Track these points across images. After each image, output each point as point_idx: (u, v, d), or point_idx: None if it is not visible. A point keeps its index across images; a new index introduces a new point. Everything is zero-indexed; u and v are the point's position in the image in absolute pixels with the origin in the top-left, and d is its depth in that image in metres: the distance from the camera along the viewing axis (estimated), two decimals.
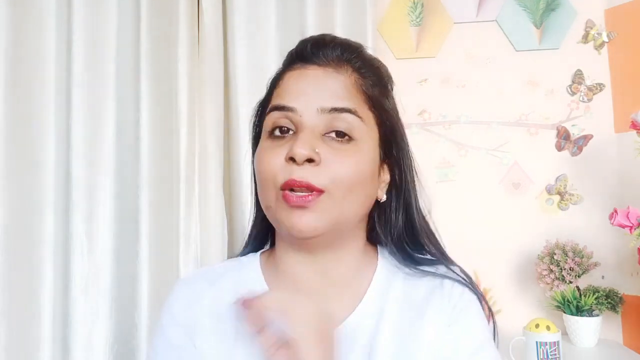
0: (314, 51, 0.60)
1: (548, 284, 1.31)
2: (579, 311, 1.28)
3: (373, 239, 0.66)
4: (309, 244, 0.58)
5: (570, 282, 1.29)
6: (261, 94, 0.66)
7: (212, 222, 1.27)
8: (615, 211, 1.14)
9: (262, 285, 0.62)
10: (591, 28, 1.47)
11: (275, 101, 0.59)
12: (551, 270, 1.30)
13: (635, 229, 1.12)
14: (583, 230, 1.41)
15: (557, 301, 1.31)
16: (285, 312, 0.48)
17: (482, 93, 1.49)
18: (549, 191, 1.46)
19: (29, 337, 1.16)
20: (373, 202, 0.61)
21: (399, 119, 0.64)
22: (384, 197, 0.62)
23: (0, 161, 1.17)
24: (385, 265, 0.63)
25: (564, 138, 1.46)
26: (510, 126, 1.48)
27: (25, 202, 1.19)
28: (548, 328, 1.14)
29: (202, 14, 1.31)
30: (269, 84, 0.65)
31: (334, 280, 0.60)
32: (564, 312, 1.30)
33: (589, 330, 1.27)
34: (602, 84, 1.46)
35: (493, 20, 1.50)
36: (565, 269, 1.28)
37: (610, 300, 1.29)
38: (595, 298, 1.27)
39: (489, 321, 0.63)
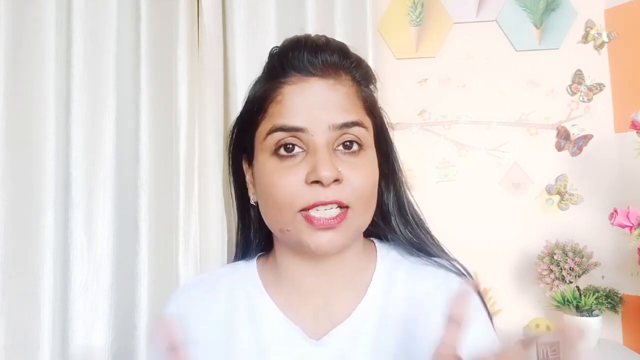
0: (310, 60, 0.57)
1: (548, 284, 1.31)
2: (579, 311, 1.28)
3: (368, 233, 0.66)
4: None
5: (570, 282, 1.29)
6: None
7: (212, 222, 1.27)
8: (615, 211, 1.14)
9: (260, 289, 0.61)
10: (591, 28, 1.47)
11: (278, 120, 0.55)
12: (551, 270, 1.30)
13: (635, 229, 1.12)
14: (583, 230, 1.40)
15: (557, 301, 1.31)
16: None
17: (482, 93, 1.49)
18: (549, 191, 1.46)
19: (29, 337, 1.16)
20: None
21: (384, 115, 0.65)
22: None
23: (0, 161, 1.18)
24: (385, 258, 0.63)
25: (564, 138, 1.46)
26: (510, 126, 1.48)
27: (25, 202, 1.19)
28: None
29: (201, 15, 1.31)
30: (255, 95, 0.61)
31: (336, 281, 0.60)
32: (564, 312, 1.30)
33: (589, 330, 1.26)
34: (602, 84, 1.46)
35: (493, 20, 1.50)
36: (565, 269, 1.28)
37: (610, 300, 1.28)
38: (595, 298, 1.27)
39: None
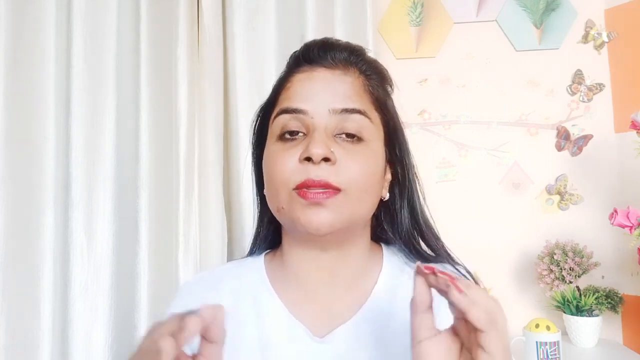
0: (321, 54, 0.60)
1: (548, 284, 1.31)
2: (579, 311, 1.28)
3: (377, 237, 0.67)
4: (320, 242, 0.58)
5: (570, 282, 1.29)
6: (261, 94, 0.65)
7: (211, 222, 1.27)
8: (615, 211, 1.14)
9: (267, 285, 0.62)
10: (591, 28, 1.47)
11: (284, 104, 0.58)
12: (551, 270, 1.30)
13: (635, 229, 1.12)
14: (583, 230, 1.41)
15: (557, 301, 1.31)
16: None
17: (482, 93, 1.49)
18: (549, 191, 1.46)
19: (29, 337, 1.16)
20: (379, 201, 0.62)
21: (399, 119, 0.66)
22: (387, 196, 0.63)
23: (0, 161, 1.18)
24: (390, 263, 0.64)
25: (564, 138, 1.46)
26: (510, 126, 1.48)
27: (25, 202, 1.19)
28: (548, 328, 1.14)
29: (201, 15, 1.32)
30: (273, 87, 0.64)
31: (341, 279, 0.60)
32: (564, 312, 1.30)
33: (589, 330, 1.27)
34: (602, 84, 1.46)
35: (493, 20, 1.50)
36: (565, 269, 1.28)
37: (610, 300, 1.29)
38: (595, 298, 1.27)
39: None
